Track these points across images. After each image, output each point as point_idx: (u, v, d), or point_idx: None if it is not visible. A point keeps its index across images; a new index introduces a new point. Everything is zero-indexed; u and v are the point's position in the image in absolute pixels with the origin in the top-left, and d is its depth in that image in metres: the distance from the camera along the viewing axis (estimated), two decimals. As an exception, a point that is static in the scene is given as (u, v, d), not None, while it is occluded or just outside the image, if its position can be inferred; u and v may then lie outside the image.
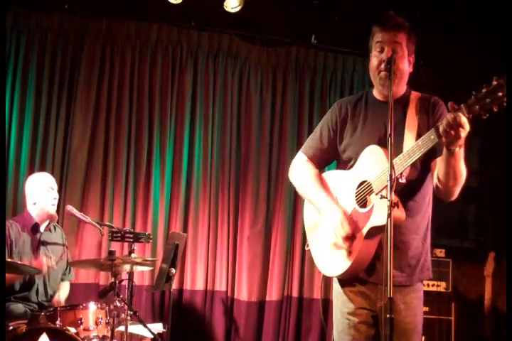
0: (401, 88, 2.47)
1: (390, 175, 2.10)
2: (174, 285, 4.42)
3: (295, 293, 5.12)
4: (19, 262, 3.53)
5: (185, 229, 4.96)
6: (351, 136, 2.50)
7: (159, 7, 4.91)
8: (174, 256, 3.97)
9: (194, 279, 4.95)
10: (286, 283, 5.14)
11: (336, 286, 2.52)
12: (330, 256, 2.46)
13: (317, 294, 5.14)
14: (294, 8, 5.10)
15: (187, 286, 4.93)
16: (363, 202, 2.37)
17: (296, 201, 5.25)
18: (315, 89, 5.42)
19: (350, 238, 2.33)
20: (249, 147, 5.23)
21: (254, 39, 5.36)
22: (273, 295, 5.08)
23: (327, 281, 2.60)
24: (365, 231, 2.32)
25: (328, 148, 2.58)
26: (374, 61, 2.42)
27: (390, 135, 2.14)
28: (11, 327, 3.29)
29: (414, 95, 2.48)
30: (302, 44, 5.42)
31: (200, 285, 4.95)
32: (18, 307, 3.76)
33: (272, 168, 5.26)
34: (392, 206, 2.08)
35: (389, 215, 2.07)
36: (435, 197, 2.45)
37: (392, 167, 2.11)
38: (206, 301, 4.96)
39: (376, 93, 2.52)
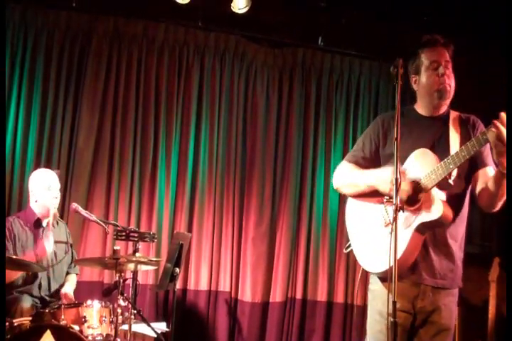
0: (447, 104, 2.61)
1: (396, 179, 2.20)
2: (178, 285, 4.43)
3: (299, 295, 5.12)
4: (24, 259, 3.53)
5: (189, 229, 4.96)
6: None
7: (166, 7, 4.91)
8: (178, 255, 3.98)
9: (198, 279, 4.95)
10: (290, 285, 5.14)
11: (375, 287, 2.59)
12: (376, 252, 2.53)
13: (321, 296, 5.15)
14: (301, 10, 5.10)
15: (191, 286, 4.93)
16: (411, 201, 2.45)
17: (301, 202, 5.26)
18: (321, 91, 5.42)
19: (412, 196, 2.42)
20: (255, 147, 5.23)
21: (260, 40, 5.36)
22: (277, 296, 5.09)
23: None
24: (414, 226, 2.41)
25: (369, 157, 2.69)
26: (429, 79, 2.54)
27: (396, 138, 2.23)
28: (15, 324, 3.30)
29: (454, 114, 2.62)
30: (309, 46, 5.41)
31: (204, 286, 4.96)
32: (26, 299, 3.75)
33: (278, 169, 5.26)
34: (397, 210, 2.18)
35: (394, 219, 2.17)
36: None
37: (397, 169, 2.20)
38: (210, 301, 4.96)
39: (420, 109, 2.65)
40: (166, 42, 5.10)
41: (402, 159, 2.52)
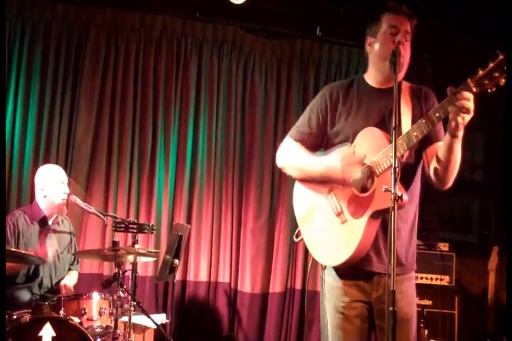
0: (398, 78, 2.42)
1: (394, 168, 2.06)
2: (178, 277, 4.43)
3: (298, 286, 5.12)
4: (24, 252, 3.52)
5: (188, 221, 4.96)
6: (345, 120, 2.45)
7: (164, -2, 4.90)
8: (178, 247, 3.99)
9: (197, 270, 4.96)
10: (289, 276, 5.15)
11: (329, 280, 2.47)
12: (331, 245, 2.39)
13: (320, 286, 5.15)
14: (298, 0, 5.08)
15: (190, 277, 4.94)
16: (362, 187, 2.32)
17: (299, 193, 5.24)
18: (319, 82, 5.39)
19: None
20: (254, 139, 5.23)
21: (258, 31, 5.34)
22: (276, 287, 5.09)
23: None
24: (367, 215, 2.27)
25: (317, 132, 2.50)
26: (385, 44, 2.36)
27: (395, 128, 2.09)
28: (14, 316, 3.30)
29: (405, 84, 2.47)
30: (307, 36, 5.39)
31: (203, 277, 4.96)
32: (24, 293, 3.76)
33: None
34: (396, 199, 2.05)
35: (393, 208, 2.04)
36: (436, 191, 2.42)
37: (395, 157, 2.06)
38: (209, 292, 4.97)
39: (370, 80, 2.48)
40: (163, 34, 5.08)
41: (352, 137, 2.37)
